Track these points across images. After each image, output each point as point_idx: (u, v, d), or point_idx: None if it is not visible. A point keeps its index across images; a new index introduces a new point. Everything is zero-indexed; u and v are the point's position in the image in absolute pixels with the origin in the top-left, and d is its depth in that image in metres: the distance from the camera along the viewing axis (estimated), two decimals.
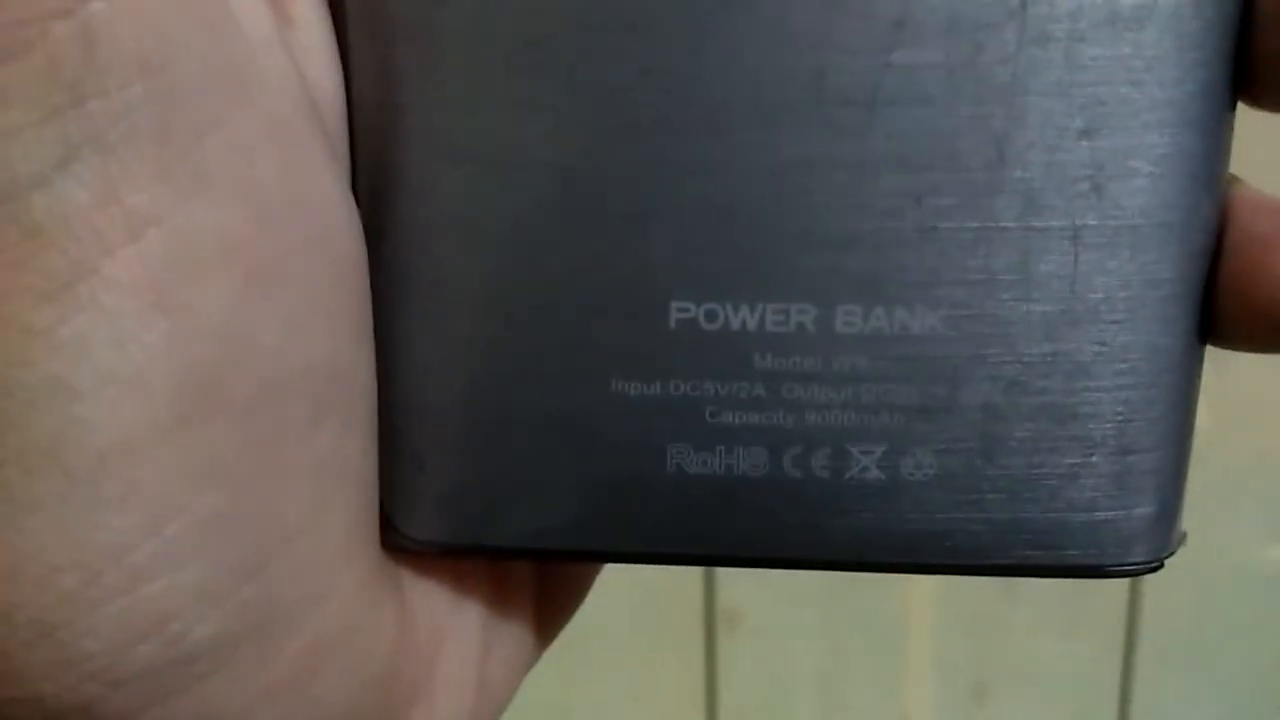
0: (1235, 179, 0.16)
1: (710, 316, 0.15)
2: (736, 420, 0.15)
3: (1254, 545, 0.47)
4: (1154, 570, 0.16)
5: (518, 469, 0.16)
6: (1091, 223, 0.15)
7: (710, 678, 0.48)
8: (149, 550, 0.13)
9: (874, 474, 0.15)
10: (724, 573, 0.47)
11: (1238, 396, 0.44)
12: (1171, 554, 0.16)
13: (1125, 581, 0.47)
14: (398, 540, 0.16)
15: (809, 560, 0.16)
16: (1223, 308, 0.15)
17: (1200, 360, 0.16)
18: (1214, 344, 0.16)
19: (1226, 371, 0.46)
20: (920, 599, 0.48)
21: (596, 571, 0.20)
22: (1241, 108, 0.15)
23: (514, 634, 0.19)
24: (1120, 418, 0.15)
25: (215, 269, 0.13)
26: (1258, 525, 0.47)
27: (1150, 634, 0.48)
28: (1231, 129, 0.15)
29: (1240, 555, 0.47)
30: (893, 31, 0.14)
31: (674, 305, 0.15)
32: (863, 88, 0.14)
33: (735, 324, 0.15)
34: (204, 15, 0.13)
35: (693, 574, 0.47)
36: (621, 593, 0.44)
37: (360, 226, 0.15)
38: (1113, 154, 0.14)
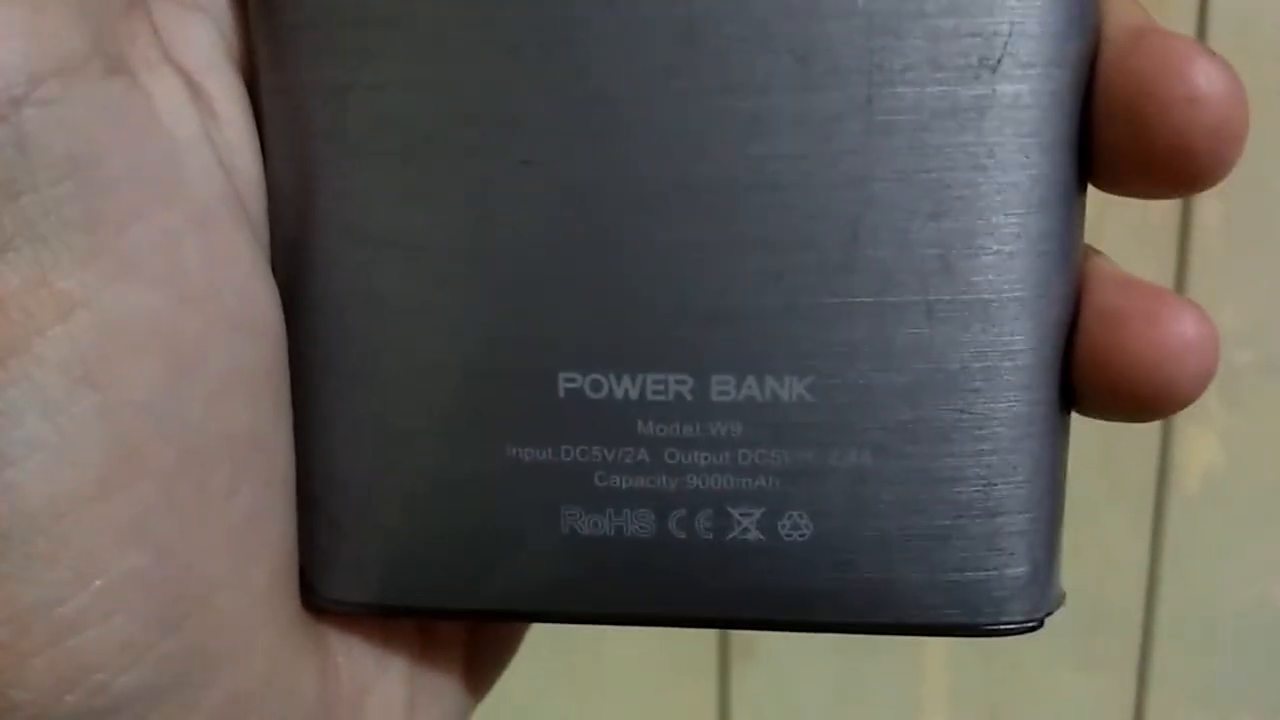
0: (1095, 252, 0.16)
1: (595, 386, 0.16)
2: (623, 484, 0.16)
3: (1268, 581, 0.46)
4: (1032, 630, 0.16)
5: (423, 532, 0.17)
6: (944, 298, 0.15)
7: (724, 705, 0.49)
8: (76, 605, 0.14)
9: (754, 535, 0.16)
10: None
11: (1252, 434, 0.43)
12: (1050, 613, 0.16)
13: (1139, 615, 0.46)
14: (315, 600, 0.17)
15: (696, 618, 0.17)
16: (1080, 379, 0.16)
17: (1065, 427, 0.16)
18: (1078, 412, 0.16)
19: (1240, 409, 0.46)
20: None
21: (527, 626, 0.21)
22: None
23: (443, 688, 0.19)
24: (984, 482, 0.16)
25: (141, 347, 0.14)
26: (1272, 561, 0.46)
27: (1163, 667, 0.47)
28: (1083, 208, 0.16)
29: (1254, 590, 0.46)
30: (750, 125, 0.15)
31: (562, 376, 0.16)
32: (725, 177, 0.15)
33: (619, 393, 0.16)
34: (129, 119, 0.15)
35: None
36: None
37: (280, 303, 0.16)
38: (960, 234, 0.15)
